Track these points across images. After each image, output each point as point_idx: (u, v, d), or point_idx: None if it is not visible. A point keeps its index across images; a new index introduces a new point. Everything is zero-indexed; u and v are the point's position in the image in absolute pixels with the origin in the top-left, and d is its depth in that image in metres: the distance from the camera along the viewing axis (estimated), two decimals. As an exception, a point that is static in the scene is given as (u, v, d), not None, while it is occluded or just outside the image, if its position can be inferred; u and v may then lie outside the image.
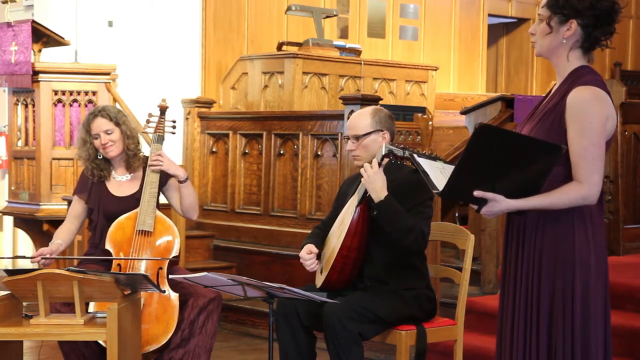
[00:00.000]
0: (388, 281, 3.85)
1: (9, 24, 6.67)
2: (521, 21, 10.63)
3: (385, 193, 3.68)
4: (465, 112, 6.26)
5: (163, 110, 4.47)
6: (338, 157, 6.29)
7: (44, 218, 6.74)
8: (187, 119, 7.27)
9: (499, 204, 2.81)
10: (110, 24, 7.60)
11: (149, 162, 4.32)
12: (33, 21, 6.69)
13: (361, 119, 3.91)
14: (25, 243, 8.35)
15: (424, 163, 3.19)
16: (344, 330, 3.65)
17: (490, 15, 10.33)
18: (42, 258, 4.14)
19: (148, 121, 4.46)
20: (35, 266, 4.20)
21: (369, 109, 3.97)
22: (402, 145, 3.61)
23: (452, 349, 4.06)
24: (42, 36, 6.83)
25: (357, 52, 8.01)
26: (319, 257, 3.97)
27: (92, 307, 4.01)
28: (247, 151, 6.97)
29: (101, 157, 4.39)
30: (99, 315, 3.57)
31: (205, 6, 8.09)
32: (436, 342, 4.29)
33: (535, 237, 2.91)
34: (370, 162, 3.72)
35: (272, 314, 3.52)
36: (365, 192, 3.73)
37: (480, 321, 5.05)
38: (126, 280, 3.51)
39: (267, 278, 5.35)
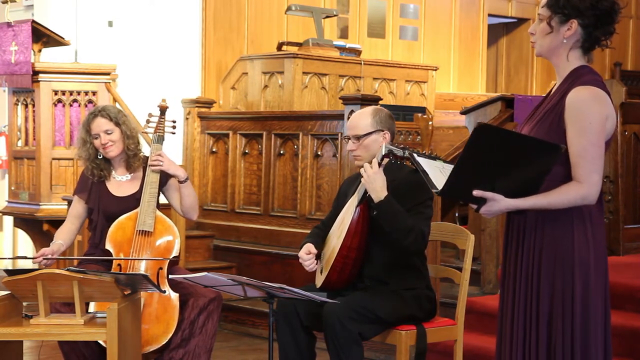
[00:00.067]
0: (388, 281, 3.85)
1: (9, 24, 6.67)
2: (521, 21, 10.63)
3: (385, 193, 3.68)
4: (465, 112, 6.26)
5: (163, 110, 4.48)
6: (338, 157, 6.29)
7: (44, 218, 6.74)
8: (187, 119, 7.27)
9: (499, 203, 2.82)
10: (110, 24, 7.60)
11: (149, 162, 4.32)
12: (33, 21, 6.69)
13: (362, 119, 3.91)
14: (25, 243, 8.35)
15: (424, 162, 3.19)
16: (344, 330, 3.65)
17: (490, 15, 10.33)
18: (44, 258, 4.14)
19: (148, 121, 4.46)
20: (36, 266, 4.20)
21: (369, 109, 3.97)
22: (402, 145, 3.61)
23: (452, 349, 4.06)
24: (42, 36, 6.83)
25: (357, 52, 8.01)
26: (318, 257, 3.97)
27: (92, 307, 4.01)
28: (247, 151, 6.97)
29: (101, 157, 4.39)
30: (99, 315, 3.57)
31: (205, 6, 8.09)
32: (436, 342, 4.29)
33: (534, 237, 2.92)
34: (370, 162, 3.72)
35: (272, 314, 3.52)
36: (365, 192, 3.73)
37: (480, 321, 5.05)
38: (126, 280, 3.51)
39: (267, 278, 5.35)
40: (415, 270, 3.91)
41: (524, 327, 2.95)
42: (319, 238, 4.03)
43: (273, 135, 6.75)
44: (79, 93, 6.82)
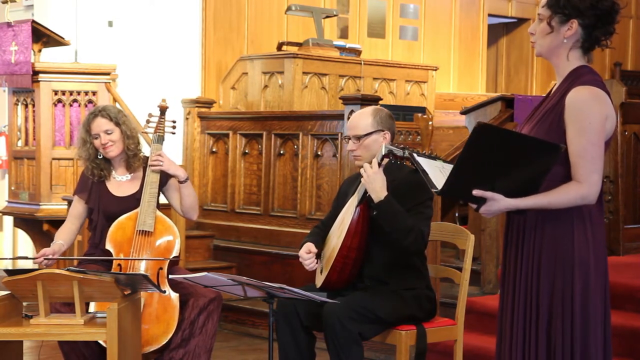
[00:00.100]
0: (388, 281, 3.85)
1: (9, 24, 6.67)
2: (521, 21, 10.63)
3: (385, 193, 3.68)
4: (465, 112, 6.26)
5: (163, 110, 4.48)
6: (338, 157, 6.29)
7: (44, 218, 6.74)
8: (187, 119, 7.27)
9: (498, 203, 2.82)
10: (110, 24, 7.60)
11: (149, 162, 4.32)
12: (33, 21, 6.69)
13: (362, 119, 3.91)
14: (25, 243, 8.35)
15: (423, 162, 3.19)
16: (344, 330, 3.65)
17: (490, 15, 10.33)
18: (45, 259, 4.14)
19: (148, 121, 4.46)
20: (36, 266, 4.20)
21: (369, 109, 3.97)
22: (401, 145, 3.61)
23: (452, 349, 4.06)
24: (42, 36, 6.83)
25: (357, 52, 8.01)
26: (318, 256, 3.97)
27: (92, 307, 4.01)
28: (247, 151, 6.97)
29: (101, 156, 4.39)
30: (99, 315, 3.57)
31: (205, 6, 8.09)
32: (436, 342, 4.29)
33: (534, 237, 2.92)
34: (370, 162, 3.72)
35: (272, 314, 3.52)
36: (365, 192, 3.73)
37: (480, 321, 5.05)
38: (126, 280, 3.51)
39: (267, 278, 5.35)
40: (415, 270, 3.91)
41: (523, 327, 2.95)
42: (319, 237, 4.03)
43: (273, 135, 6.75)
44: (79, 93, 6.82)
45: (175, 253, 4.27)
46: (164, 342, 4.11)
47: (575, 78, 2.89)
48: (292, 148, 6.63)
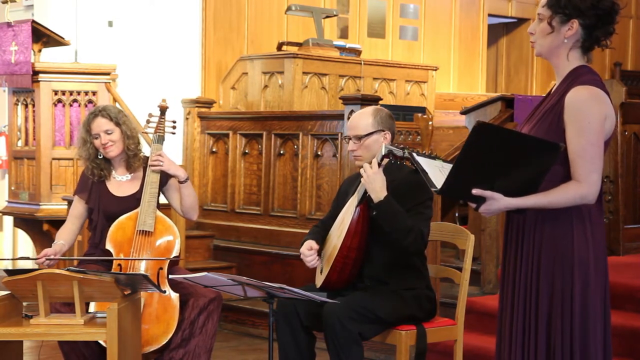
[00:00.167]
0: (388, 281, 3.85)
1: (9, 24, 6.67)
2: (521, 21, 10.64)
3: (385, 193, 3.68)
4: (465, 112, 6.26)
5: (163, 110, 4.48)
6: (338, 157, 6.29)
7: (44, 218, 6.74)
8: (187, 119, 7.27)
9: (498, 202, 2.82)
10: (110, 24, 7.60)
11: (150, 162, 4.32)
12: (33, 21, 6.69)
13: (362, 119, 3.91)
14: (25, 243, 8.35)
15: (423, 162, 3.19)
16: (344, 330, 3.65)
17: (490, 15, 10.33)
18: (46, 259, 4.14)
19: (148, 121, 4.46)
20: (36, 266, 4.20)
21: (369, 109, 3.97)
22: (401, 145, 3.61)
23: (452, 349, 4.06)
24: (42, 36, 6.83)
25: (357, 52, 8.01)
26: (319, 254, 3.97)
27: (92, 307, 4.01)
28: (247, 151, 6.97)
29: (101, 156, 4.39)
30: (99, 315, 3.57)
31: (205, 6, 8.09)
32: (436, 342, 4.29)
33: (534, 236, 2.92)
34: (370, 163, 3.72)
35: (272, 314, 3.52)
36: (365, 192, 3.73)
37: (480, 321, 5.05)
38: (126, 280, 3.51)
39: (267, 278, 5.35)
40: (415, 270, 3.91)
41: (523, 327, 2.95)
42: (319, 235, 4.03)
43: (273, 135, 6.75)
44: (79, 93, 6.82)
45: (175, 253, 4.27)
46: (164, 342, 4.11)
47: (575, 78, 2.89)
48: (292, 148, 6.63)
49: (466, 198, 2.86)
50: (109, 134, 4.33)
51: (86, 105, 6.79)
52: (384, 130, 3.89)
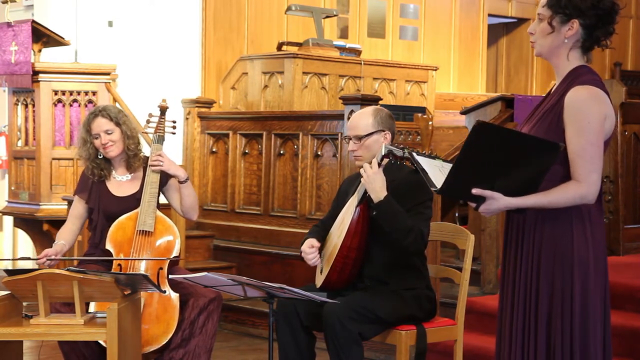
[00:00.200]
0: (388, 281, 3.85)
1: (9, 24, 6.67)
2: (521, 21, 10.64)
3: (385, 193, 3.68)
4: (465, 112, 6.26)
5: (163, 110, 4.48)
6: (338, 157, 6.29)
7: (44, 218, 6.74)
8: (187, 119, 7.27)
9: (498, 201, 2.82)
10: (110, 24, 7.60)
11: (150, 163, 4.32)
12: (33, 21, 6.69)
13: (363, 119, 3.91)
14: (25, 243, 8.35)
15: (423, 161, 3.19)
16: (344, 330, 3.65)
17: (490, 15, 10.33)
18: (47, 259, 4.14)
19: (148, 121, 4.47)
20: (36, 266, 4.20)
21: (369, 109, 3.97)
22: (401, 145, 3.61)
23: (452, 349, 4.06)
24: (42, 36, 6.83)
25: (357, 52, 8.01)
26: (319, 253, 3.96)
27: (92, 307, 4.01)
28: (247, 151, 6.97)
29: (101, 156, 4.39)
30: (99, 315, 3.57)
31: (205, 6, 8.09)
32: (436, 342, 4.29)
33: (534, 236, 2.92)
34: (371, 163, 3.72)
35: (272, 314, 3.52)
36: (365, 192, 3.73)
37: (480, 321, 5.05)
38: (126, 280, 3.51)
39: (267, 278, 5.35)
40: (415, 270, 3.91)
41: (523, 327, 2.95)
42: (320, 234, 4.03)
43: (273, 135, 6.75)
44: (79, 93, 6.82)
45: (175, 253, 4.27)
46: (164, 342, 4.11)
47: (575, 78, 2.90)
48: (292, 148, 6.63)
49: (466, 198, 2.86)
50: (109, 134, 4.33)
51: (86, 105, 6.79)
52: (384, 131, 3.89)
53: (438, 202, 5.37)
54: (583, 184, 2.82)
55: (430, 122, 5.86)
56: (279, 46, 7.79)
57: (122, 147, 4.37)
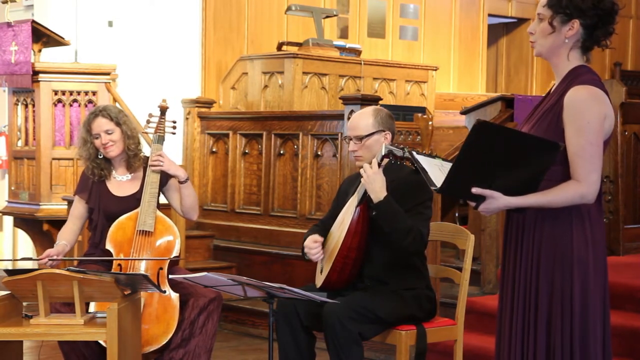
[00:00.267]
0: (388, 281, 3.85)
1: (9, 24, 6.67)
2: (521, 21, 10.64)
3: (385, 193, 3.68)
4: (465, 112, 6.26)
5: (163, 110, 4.48)
6: (338, 157, 6.29)
7: (44, 218, 6.73)
8: (187, 119, 7.27)
9: (497, 201, 2.82)
10: (110, 24, 7.60)
11: (150, 163, 4.32)
12: (33, 21, 6.69)
13: (363, 119, 3.91)
14: (25, 243, 8.35)
15: (423, 160, 3.19)
16: (344, 330, 3.65)
17: (490, 15, 10.33)
18: (49, 259, 4.14)
19: (148, 121, 4.47)
20: (36, 266, 4.20)
21: (369, 109, 3.97)
22: (401, 145, 3.62)
23: (452, 349, 4.06)
24: (42, 36, 6.83)
25: (357, 52, 8.01)
26: (323, 245, 3.95)
27: (92, 307, 4.01)
28: (247, 151, 6.97)
29: (102, 156, 4.39)
30: (99, 315, 3.57)
31: (205, 6, 8.09)
32: (436, 342, 4.29)
33: (533, 235, 2.92)
34: (370, 163, 3.72)
35: (272, 314, 3.52)
36: (365, 192, 3.73)
37: (480, 321, 5.05)
38: (126, 280, 3.51)
39: (267, 278, 5.35)
40: (415, 270, 3.91)
41: (522, 326, 2.95)
42: (320, 233, 4.02)
43: (273, 135, 6.75)
44: (79, 93, 6.82)
45: (175, 253, 4.27)
46: (164, 342, 4.11)
47: (574, 78, 2.90)
48: (292, 148, 6.63)
49: (466, 197, 2.86)
50: (109, 133, 4.33)
51: (86, 105, 6.78)
52: (384, 131, 3.89)
53: (438, 202, 5.37)
54: (583, 184, 2.82)
55: (430, 122, 5.86)
56: (279, 46, 7.79)
57: (122, 147, 4.37)
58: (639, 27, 11.52)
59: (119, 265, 4.19)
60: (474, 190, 2.80)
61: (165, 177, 4.38)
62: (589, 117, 2.82)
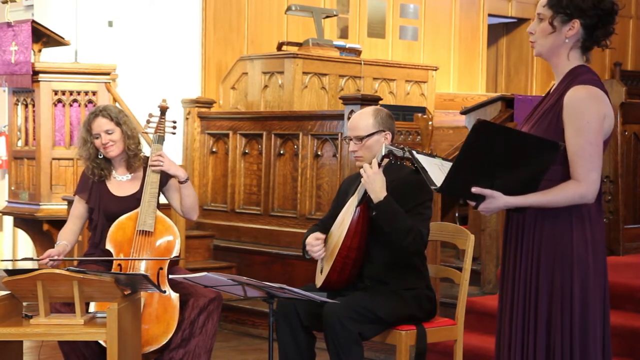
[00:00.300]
0: (388, 281, 3.85)
1: (9, 24, 6.67)
2: (521, 21, 10.64)
3: (385, 194, 3.68)
4: (465, 112, 6.26)
5: (163, 110, 4.48)
6: (338, 157, 6.29)
7: (44, 218, 6.73)
8: (187, 119, 7.27)
9: (497, 200, 2.82)
10: (110, 24, 7.60)
11: (150, 163, 4.32)
12: (33, 21, 6.69)
13: (363, 119, 3.91)
14: (25, 243, 8.34)
15: (423, 159, 3.19)
16: (344, 330, 3.65)
17: (490, 15, 10.33)
18: (50, 259, 4.14)
19: (148, 121, 4.47)
20: (36, 266, 4.20)
21: (369, 110, 3.97)
22: (401, 145, 3.62)
23: (452, 349, 4.06)
24: (42, 36, 6.83)
25: (357, 52, 8.01)
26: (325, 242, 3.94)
27: (92, 307, 4.01)
28: (247, 151, 6.97)
29: (102, 156, 4.39)
30: (99, 315, 3.57)
31: (205, 6, 8.09)
32: (436, 342, 4.29)
33: (533, 234, 2.92)
34: (370, 163, 3.72)
35: (272, 314, 3.52)
36: (365, 192, 3.73)
37: (480, 321, 5.05)
38: (126, 280, 3.51)
39: (267, 278, 5.35)
40: (415, 270, 3.91)
41: (522, 325, 2.95)
42: (321, 231, 4.02)
43: (273, 135, 6.75)
44: (79, 93, 6.82)
45: (175, 253, 4.27)
46: (164, 342, 4.11)
47: (574, 77, 2.90)
48: (292, 148, 6.63)
49: (466, 196, 2.86)
50: (109, 133, 4.33)
51: (86, 105, 6.79)
52: (384, 131, 3.89)
53: (438, 202, 5.37)
54: (582, 184, 2.82)
55: (430, 122, 5.86)
56: (279, 46, 7.79)
57: (122, 147, 4.37)
58: (639, 27, 11.52)
59: (119, 265, 4.19)
60: (474, 189, 2.80)
61: (165, 177, 4.38)
62: (588, 117, 2.82)
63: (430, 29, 9.76)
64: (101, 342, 3.93)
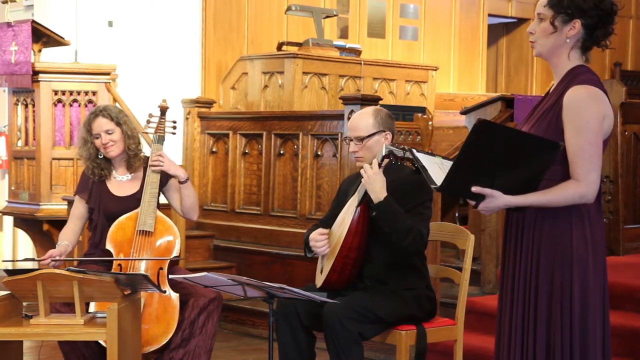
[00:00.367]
0: (388, 281, 3.86)
1: (9, 24, 6.67)
2: (521, 21, 10.64)
3: (385, 194, 3.68)
4: (465, 112, 6.26)
5: (163, 110, 4.48)
6: (338, 157, 6.29)
7: (44, 218, 6.73)
8: (187, 119, 7.27)
9: (497, 200, 2.82)
10: (110, 24, 7.60)
11: (150, 163, 4.32)
12: (33, 21, 6.69)
13: (363, 120, 3.91)
14: (25, 243, 8.34)
15: (423, 158, 3.19)
16: (344, 330, 3.65)
17: (490, 15, 10.33)
18: (52, 260, 4.14)
19: (148, 121, 4.47)
20: (36, 266, 4.20)
21: (369, 110, 3.97)
22: (401, 145, 3.62)
23: (452, 349, 4.06)
24: (42, 36, 6.83)
25: (357, 52, 8.01)
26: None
27: (92, 307, 4.01)
28: (247, 151, 6.97)
29: (102, 156, 4.39)
30: (99, 315, 3.57)
31: (205, 6, 8.09)
32: (436, 342, 4.29)
33: (533, 234, 2.92)
34: (371, 163, 3.72)
35: (272, 314, 3.52)
36: (365, 192, 3.73)
37: (480, 321, 5.05)
38: (126, 280, 3.51)
39: (267, 278, 5.35)
40: (415, 270, 3.91)
41: (522, 325, 2.95)
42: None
43: (273, 135, 6.75)
44: (79, 93, 6.82)
45: (175, 253, 4.27)
46: (164, 342, 4.11)
47: (573, 77, 2.90)
48: (292, 148, 6.63)
49: (466, 195, 2.86)
50: (109, 133, 4.33)
51: (86, 105, 6.79)
52: (384, 131, 3.89)
53: (438, 202, 5.37)
54: (582, 183, 2.82)
55: (430, 122, 5.86)
56: (279, 46, 7.79)
57: (122, 147, 4.37)
58: (639, 27, 11.52)
59: (119, 265, 4.19)
60: (474, 189, 2.80)
61: (165, 177, 4.38)
62: (588, 117, 2.82)
63: (430, 29, 9.76)
64: (101, 342, 3.93)
